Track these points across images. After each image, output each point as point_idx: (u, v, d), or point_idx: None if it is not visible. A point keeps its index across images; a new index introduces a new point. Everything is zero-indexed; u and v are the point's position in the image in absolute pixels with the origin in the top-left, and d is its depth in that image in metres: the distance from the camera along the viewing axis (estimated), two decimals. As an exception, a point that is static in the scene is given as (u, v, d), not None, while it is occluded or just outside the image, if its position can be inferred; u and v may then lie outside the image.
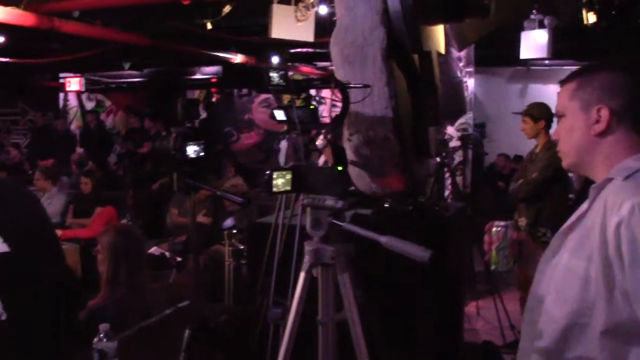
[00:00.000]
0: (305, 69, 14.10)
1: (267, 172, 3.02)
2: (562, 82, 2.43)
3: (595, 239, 2.09)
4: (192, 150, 3.94)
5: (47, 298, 1.66)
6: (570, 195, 6.51)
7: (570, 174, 6.67)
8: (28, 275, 1.58)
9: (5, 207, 1.59)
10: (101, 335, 2.92)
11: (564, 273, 2.22)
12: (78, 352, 2.24)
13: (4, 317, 1.50)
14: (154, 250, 7.90)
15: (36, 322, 1.61)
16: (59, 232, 7.84)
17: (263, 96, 16.21)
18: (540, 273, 2.34)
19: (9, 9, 7.66)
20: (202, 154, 3.96)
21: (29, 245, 1.60)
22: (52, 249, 1.74)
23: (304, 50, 12.19)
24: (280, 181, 3.05)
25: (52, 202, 9.11)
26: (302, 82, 4.08)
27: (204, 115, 15.63)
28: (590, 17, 7.37)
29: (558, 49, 8.37)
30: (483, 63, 11.16)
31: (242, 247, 6.51)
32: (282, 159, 3.85)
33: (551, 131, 6.27)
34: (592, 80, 2.30)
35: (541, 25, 7.95)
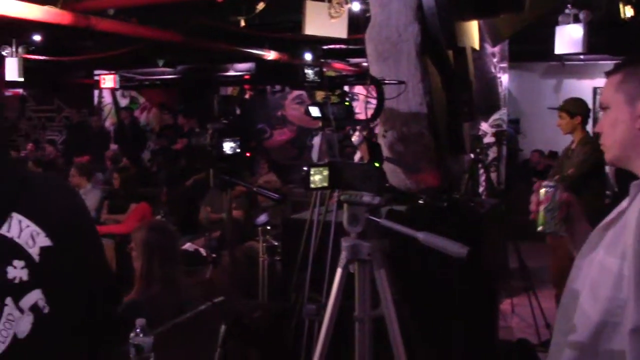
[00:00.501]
0: (338, 65, 14.09)
1: (305, 169, 3.03)
2: (608, 74, 2.36)
3: (630, 236, 2.07)
4: (228, 146, 3.96)
5: (87, 292, 1.68)
6: (607, 192, 6.46)
7: (606, 170, 6.61)
8: (70, 269, 1.61)
9: (48, 202, 1.62)
10: (138, 330, 2.96)
11: (599, 270, 2.19)
12: (115, 347, 2.27)
13: (46, 311, 1.53)
14: (188, 246, 7.95)
15: (77, 315, 1.64)
16: (94, 228, 7.89)
17: (296, 93, 16.22)
18: (576, 268, 2.32)
19: (46, 8, 7.76)
20: (238, 150, 3.98)
21: (71, 239, 1.62)
22: (93, 243, 1.77)
23: (337, 46, 12.18)
24: (318, 177, 3.06)
25: (87, 198, 9.18)
26: (336, 78, 4.09)
27: (237, 112, 15.69)
28: (627, 11, 7.31)
29: (593, 43, 8.29)
30: (517, 58, 11.09)
31: (276, 244, 6.52)
32: (314, 155, 3.86)
33: (588, 127, 6.24)
34: (639, 73, 2.24)
35: (576, 20, 7.88)
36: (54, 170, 13.35)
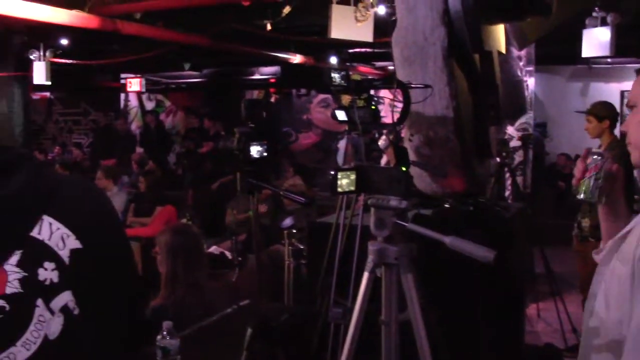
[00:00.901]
0: (364, 68, 14.10)
1: (332, 173, 3.03)
2: (638, 72, 2.31)
3: (633, 242, 2.04)
4: (255, 150, 3.97)
5: (116, 294, 1.70)
6: (636, 197, 6.43)
7: (635, 174, 6.56)
8: (99, 271, 1.62)
9: (77, 205, 1.64)
10: (164, 332, 2.98)
11: (611, 277, 2.17)
12: (141, 350, 2.29)
13: (76, 312, 1.55)
14: (213, 249, 7.98)
15: (106, 317, 1.66)
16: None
17: (321, 96, 16.23)
18: (598, 275, 2.29)
19: (74, 12, 7.83)
20: (265, 154, 3.98)
21: (100, 242, 1.64)
22: (121, 246, 1.79)
23: (363, 50, 12.19)
24: (345, 181, 3.07)
25: (113, 201, 9.06)
26: (363, 82, 4.10)
27: (263, 115, 15.73)
28: (656, 13, 7.27)
29: (621, 46, 8.24)
30: (544, 62, 11.04)
31: (301, 247, 6.53)
32: (340, 158, 3.88)
33: (616, 131, 6.20)
34: None
35: (603, 23, 7.83)
36: (80, 172, 13.44)
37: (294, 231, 6.82)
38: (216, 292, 4.59)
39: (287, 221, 7.08)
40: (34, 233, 1.51)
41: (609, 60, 12.04)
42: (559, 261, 8.18)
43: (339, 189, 3.06)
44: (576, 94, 15.02)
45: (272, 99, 16.78)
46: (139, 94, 17.73)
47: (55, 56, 10.83)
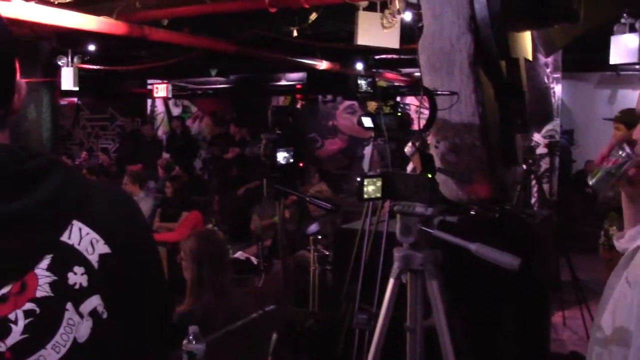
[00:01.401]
0: (390, 75, 14.09)
1: (358, 179, 3.04)
2: None
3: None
4: (281, 156, 3.98)
5: (144, 299, 1.71)
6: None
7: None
8: (127, 276, 1.64)
9: (106, 210, 1.65)
10: (190, 337, 3.00)
11: (619, 297, 2.14)
12: (169, 354, 2.31)
13: (105, 316, 1.56)
14: (239, 254, 7.99)
15: (134, 321, 1.67)
16: (146, 236, 7.98)
17: (347, 102, 16.23)
18: (608, 288, 2.26)
19: (102, 19, 7.89)
20: (291, 160, 4.00)
21: (129, 247, 1.66)
22: (150, 251, 1.80)
23: (389, 56, 12.19)
24: (371, 188, 3.08)
25: (140, 205, 9.26)
26: (389, 89, 4.11)
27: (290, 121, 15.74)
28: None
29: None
30: (571, 68, 10.99)
31: (327, 253, 6.53)
32: (365, 165, 3.89)
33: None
34: None
35: (632, 29, 7.77)
36: (106, 177, 13.53)
37: (320, 237, 6.82)
38: (242, 297, 4.60)
39: (313, 227, 7.09)
40: (64, 238, 1.53)
41: (637, 67, 11.97)
42: (586, 269, 8.12)
43: (365, 196, 3.07)
44: (604, 101, 14.92)
45: (298, 105, 16.81)
46: (165, 99, 17.82)
47: (83, 62, 10.91)
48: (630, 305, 2.03)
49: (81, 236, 1.55)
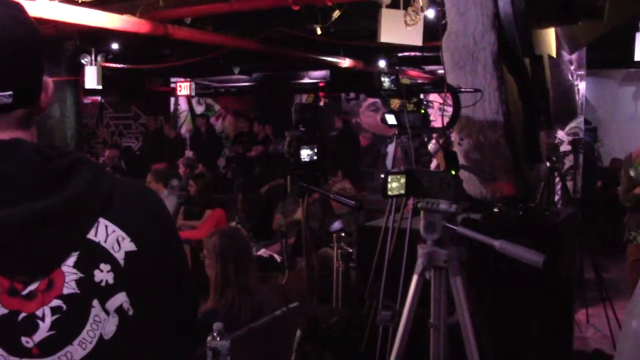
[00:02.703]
0: (413, 72, 14.08)
1: (382, 176, 3.04)
2: None
3: None
4: (305, 154, 3.99)
5: (170, 296, 1.73)
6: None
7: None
8: (153, 273, 1.65)
9: (132, 208, 1.67)
10: (214, 334, 3.01)
11: None
12: (195, 351, 2.32)
13: (131, 313, 1.58)
14: (262, 252, 8.01)
15: (160, 318, 1.69)
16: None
17: (370, 100, 16.23)
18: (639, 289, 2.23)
19: (125, 17, 7.93)
20: (315, 157, 4.00)
21: (154, 244, 1.67)
22: (175, 249, 1.82)
23: (412, 54, 12.18)
24: (395, 185, 3.08)
25: (163, 204, 9.29)
26: (412, 86, 4.09)
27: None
28: None
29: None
30: (595, 65, 10.94)
31: (350, 250, 6.54)
32: (389, 163, 3.89)
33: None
34: None
35: (657, 25, 7.74)
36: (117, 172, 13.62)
37: (343, 235, 6.82)
38: (265, 294, 4.60)
39: (336, 225, 7.07)
40: (91, 235, 1.55)
41: (662, 63, 11.88)
42: (609, 267, 8.10)
43: (389, 192, 3.07)
44: (628, 98, 14.83)
45: (321, 103, 16.82)
46: (188, 98, 17.89)
47: (107, 61, 10.98)
48: None
49: (107, 234, 1.57)
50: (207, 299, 4.39)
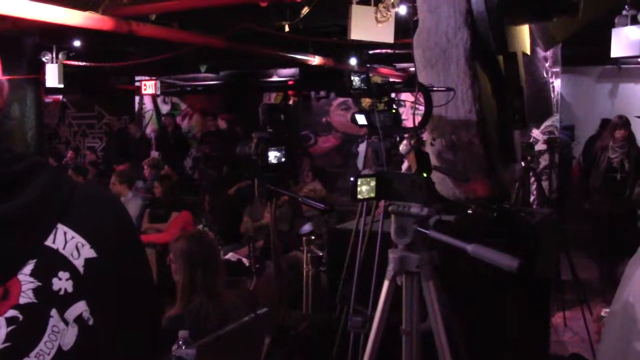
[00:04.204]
0: (385, 70, 14.09)
1: (352, 179, 3.04)
2: None
3: None
4: (273, 155, 3.98)
5: (132, 304, 1.71)
6: None
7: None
8: (114, 280, 1.63)
9: (92, 213, 1.65)
10: (180, 342, 3.00)
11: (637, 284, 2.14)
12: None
13: (91, 322, 1.56)
14: (230, 256, 8.00)
15: (121, 327, 1.67)
16: (134, 237, 7.97)
17: (341, 99, 16.21)
18: (626, 278, 2.27)
19: (87, 14, 7.86)
20: (283, 159, 4.00)
21: (115, 250, 1.65)
22: (137, 255, 1.80)
23: (383, 51, 12.19)
24: (365, 188, 3.07)
25: (128, 206, 9.24)
26: (383, 85, 4.10)
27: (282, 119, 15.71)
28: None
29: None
30: (571, 62, 10.99)
31: (320, 254, 6.54)
32: (360, 163, 3.89)
33: None
34: None
35: (634, 22, 7.75)
36: (94, 176, 13.51)
37: (313, 237, 6.83)
38: (233, 300, 4.59)
39: (306, 227, 7.09)
40: (49, 242, 1.53)
41: (639, 60, 11.96)
42: (587, 268, 8.15)
43: (359, 196, 3.06)
44: (605, 96, 14.93)
45: (291, 102, 16.80)
46: (154, 96, 17.80)
47: (68, 58, 10.88)
48: None
49: (66, 240, 1.55)
50: (174, 305, 4.37)
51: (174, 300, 4.39)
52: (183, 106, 18.74)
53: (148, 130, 18.47)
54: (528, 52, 5.84)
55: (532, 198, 8.19)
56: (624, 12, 7.74)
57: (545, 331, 5.84)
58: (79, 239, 1.56)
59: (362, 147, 15.40)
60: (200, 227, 8.58)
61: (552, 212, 6.50)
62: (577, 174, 12.59)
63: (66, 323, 1.52)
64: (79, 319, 1.54)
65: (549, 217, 6.11)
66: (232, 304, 4.46)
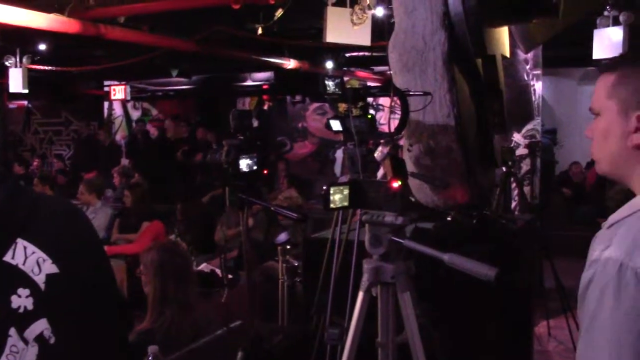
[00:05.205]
0: (362, 73, 14.11)
1: (324, 188, 3.04)
2: (601, 70, 2.05)
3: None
4: (244, 163, 3.98)
5: (96, 321, 1.70)
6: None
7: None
8: (77, 296, 1.63)
9: (54, 226, 1.64)
10: (150, 358, 2.99)
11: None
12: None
13: (52, 341, 1.55)
14: (204, 266, 7.97)
15: (85, 345, 1.66)
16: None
17: (317, 103, 16.21)
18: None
19: (52, 16, 7.82)
20: (255, 167, 3.99)
21: (78, 265, 1.65)
22: (101, 269, 1.79)
23: (360, 54, 12.21)
24: (338, 197, 3.07)
25: (97, 216, 9.22)
26: (359, 90, 4.10)
27: (255, 124, 15.72)
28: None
29: (635, 47, 8.21)
30: (552, 64, 11.06)
31: (296, 264, 6.53)
32: (338, 169, 3.88)
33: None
34: (635, 76, 1.94)
35: (616, 22, 7.81)
36: (62, 185, 13.45)
37: (289, 247, 6.81)
38: (206, 313, 4.58)
39: (282, 236, 7.08)
40: (7, 257, 1.52)
41: (622, 61, 12.02)
42: (571, 275, 8.15)
43: (332, 205, 3.06)
44: (588, 98, 14.89)
45: (265, 107, 16.78)
46: (123, 102, 17.74)
47: (33, 62, 10.81)
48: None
49: (26, 255, 1.54)
50: (144, 319, 4.35)
51: (144, 314, 4.37)
52: (154, 112, 18.69)
53: (118, 137, 18.40)
54: (508, 54, 5.86)
55: (513, 204, 8.22)
56: (606, 13, 7.80)
57: (528, 341, 5.85)
58: (40, 254, 1.55)
59: (339, 153, 15.43)
60: (172, 237, 8.55)
61: (534, 218, 6.52)
62: (592, 181, 12.69)
63: (26, 342, 1.51)
64: (39, 338, 1.53)
65: (531, 223, 6.14)
66: (205, 317, 4.45)
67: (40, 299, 1.53)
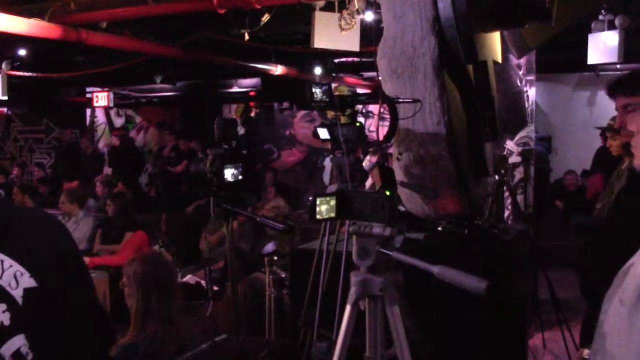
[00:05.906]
0: (351, 79, 14.11)
1: (310, 198, 3.04)
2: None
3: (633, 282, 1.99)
4: (230, 173, 3.98)
5: (75, 336, 1.70)
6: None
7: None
8: (56, 311, 1.62)
9: (32, 239, 1.64)
10: (133, 373, 2.99)
11: (613, 318, 2.12)
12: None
13: (30, 358, 1.55)
14: (188, 278, 7.97)
15: (65, 360, 1.66)
16: (86, 260, 7.92)
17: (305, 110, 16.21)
18: (602, 313, 2.23)
19: (32, 21, 7.79)
20: (240, 177, 3.99)
21: (57, 279, 1.64)
22: (81, 282, 1.79)
23: (349, 59, 12.23)
24: (324, 207, 3.07)
25: (79, 227, 9.21)
26: (347, 97, 4.11)
27: (241, 131, 15.72)
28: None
29: (630, 52, 8.23)
30: (546, 70, 11.07)
31: (283, 275, 6.52)
32: (326, 177, 3.89)
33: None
34: None
35: (611, 26, 7.83)
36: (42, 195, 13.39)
37: (276, 258, 6.80)
38: (191, 326, 4.57)
39: (269, 247, 7.05)
40: (-17, 272, 1.52)
41: (617, 66, 12.06)
42: (565, 286, 8.18)
43: (318, 216, 3.05)
44: (582, 104, 15.03)
45: (252, 114, 16.77)
46: (106, 109, 17.71)
47: (13, 68, 10.79)
48: (623, 326, 2.01)
49: (3, 269, 1.54)
50: (126, 332, 4.35)
51: (127, 328, 4.36)
52: (138, 119, 18.67)
53: (100, 145, 18.37)
54: (500, 60, 5.88)
55: (506, 213, 8.23)
56: (600, 17, 7.82)
57: (522, 354, 5.86)
58: (17, 268, 1.55)
59: (328, 161, 15.42)
60: (156, 248, 8.54)
61: (527, 228, 6.53)
62: (601, 187, 12.69)
63: (2, 359, 1.51)
64: (16, 355, 1.53)
65: (524, 233, 6.15)
66: (189, 330, 4.45)
67: (17, 314, 1.53)
